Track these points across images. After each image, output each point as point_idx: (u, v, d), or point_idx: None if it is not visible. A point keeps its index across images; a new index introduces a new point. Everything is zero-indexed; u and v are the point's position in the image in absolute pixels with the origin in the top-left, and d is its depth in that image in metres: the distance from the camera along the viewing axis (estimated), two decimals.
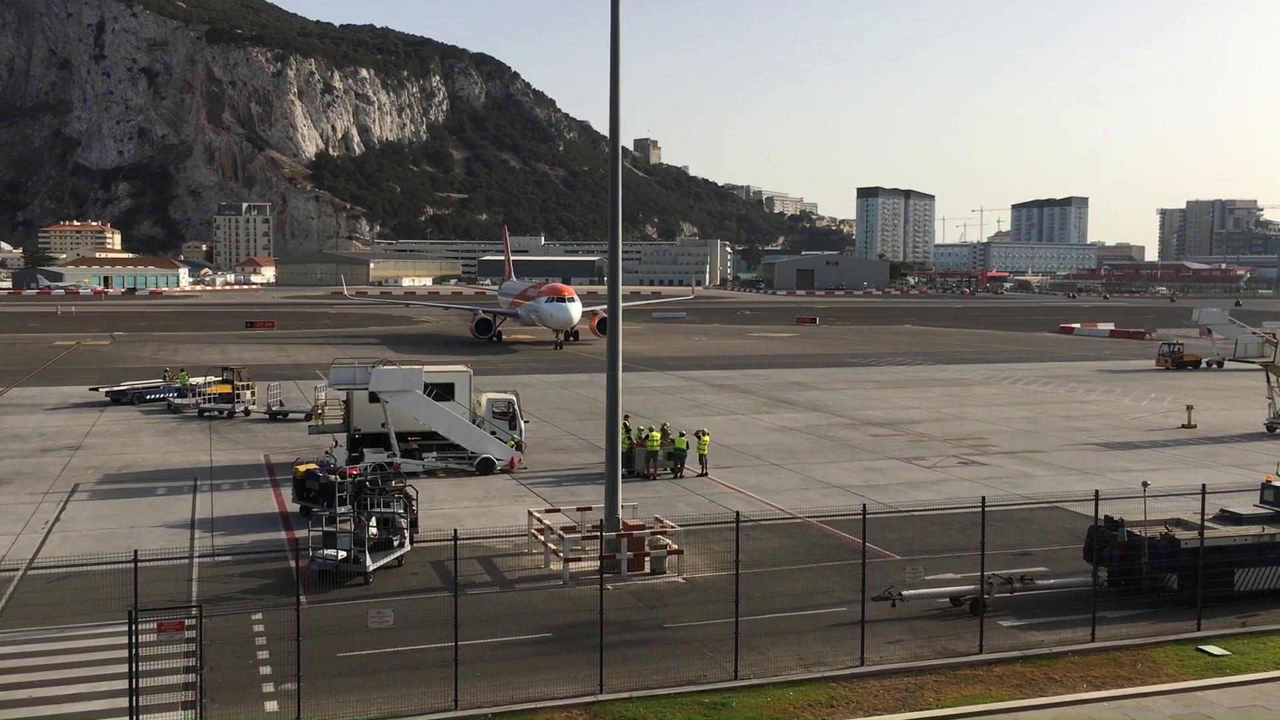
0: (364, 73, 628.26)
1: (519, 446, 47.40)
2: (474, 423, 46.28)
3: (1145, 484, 31.26)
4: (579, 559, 31.60)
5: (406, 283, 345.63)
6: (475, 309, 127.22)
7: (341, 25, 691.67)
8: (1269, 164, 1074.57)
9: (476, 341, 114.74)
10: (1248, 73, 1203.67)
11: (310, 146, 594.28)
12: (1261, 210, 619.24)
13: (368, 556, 30.42)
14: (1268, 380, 59.08)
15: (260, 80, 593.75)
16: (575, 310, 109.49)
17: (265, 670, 24.01)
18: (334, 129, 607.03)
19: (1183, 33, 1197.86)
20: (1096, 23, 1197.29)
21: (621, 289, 34.46)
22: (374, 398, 44.42)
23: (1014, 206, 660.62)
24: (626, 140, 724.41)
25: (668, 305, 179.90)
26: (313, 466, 37.35)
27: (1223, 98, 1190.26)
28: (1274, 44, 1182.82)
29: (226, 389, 62.56)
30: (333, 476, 33.76)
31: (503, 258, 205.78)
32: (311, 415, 50.85)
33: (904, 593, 27.67)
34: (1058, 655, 25.45)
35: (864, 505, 29.73)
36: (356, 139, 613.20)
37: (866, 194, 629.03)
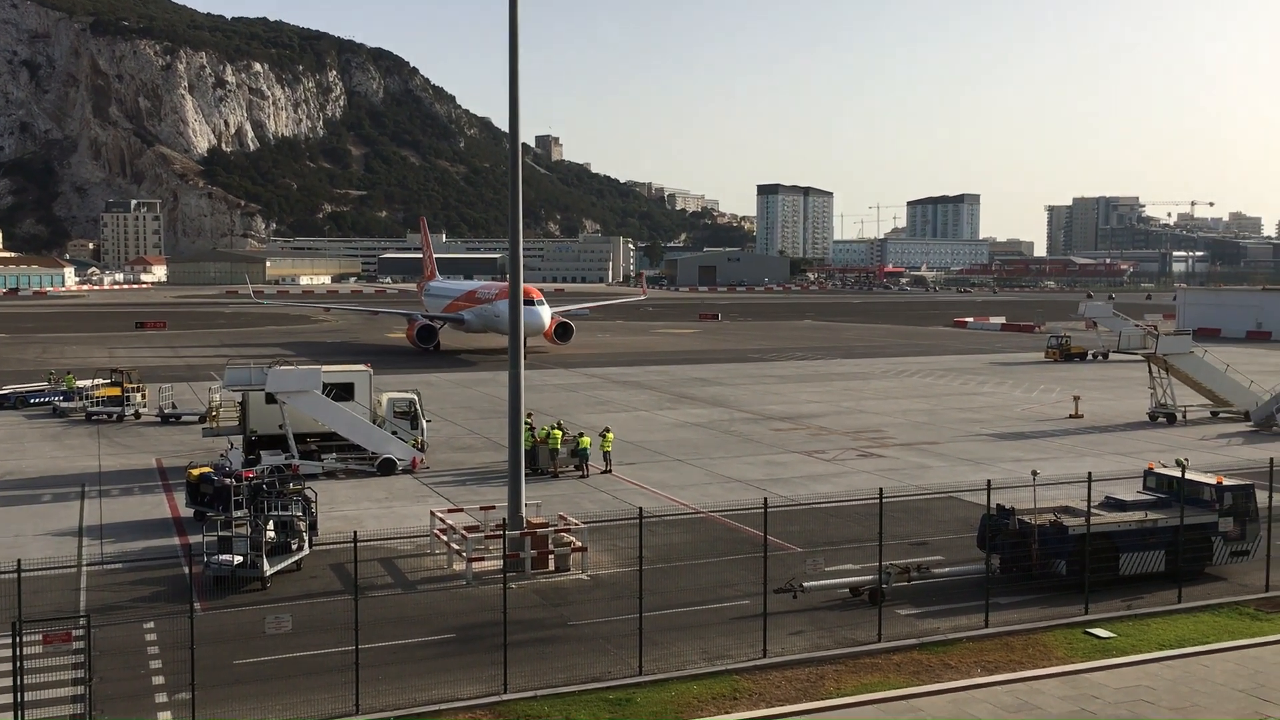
0: (258, 67, 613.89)
1: (421, 446, 46.91)
2: (375, 422, 45.68)
3: (1035, 473, 32.16)
4: (482, 558, 31.44)
5: (304, 281, 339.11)
6: (414, 314, 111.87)
7: (233, 18, 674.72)
8: (1150, 163, 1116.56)
9: (417, 351, 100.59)
10: (1130, 74, 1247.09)
11: (202, 142, 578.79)
12: (1143, 207, 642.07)
13: (265, 561, 29.84)
14: (1150, 371, 61.33)
15: (149, 74, 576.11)
16: (545, 314, 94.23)
17: (158, 680, 23.40)
18: (227, 124, 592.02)
19: (1066, 34, 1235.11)
20: (982, 23, 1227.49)
21: (523, 285, 34.26)
22: (271, 399, 43.55)
23: (909, 203, 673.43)
24: (528, 137, 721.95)
25: (614, 305, 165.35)
26: (207, 470, 36.50)
27: (1106, 98, 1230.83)
28: (1155, 45, 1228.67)
29: (116, 391, 60.77)
30: (228, 480, 33.07)
31: (410, 255, 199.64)
32: (206, 418, 49.68)
33: (805, 584, 28.11)
34: (953, 642, 26.11)
35: (765, 499, 30.03)
36: (250, 134, 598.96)
37: (767, 191, 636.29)
